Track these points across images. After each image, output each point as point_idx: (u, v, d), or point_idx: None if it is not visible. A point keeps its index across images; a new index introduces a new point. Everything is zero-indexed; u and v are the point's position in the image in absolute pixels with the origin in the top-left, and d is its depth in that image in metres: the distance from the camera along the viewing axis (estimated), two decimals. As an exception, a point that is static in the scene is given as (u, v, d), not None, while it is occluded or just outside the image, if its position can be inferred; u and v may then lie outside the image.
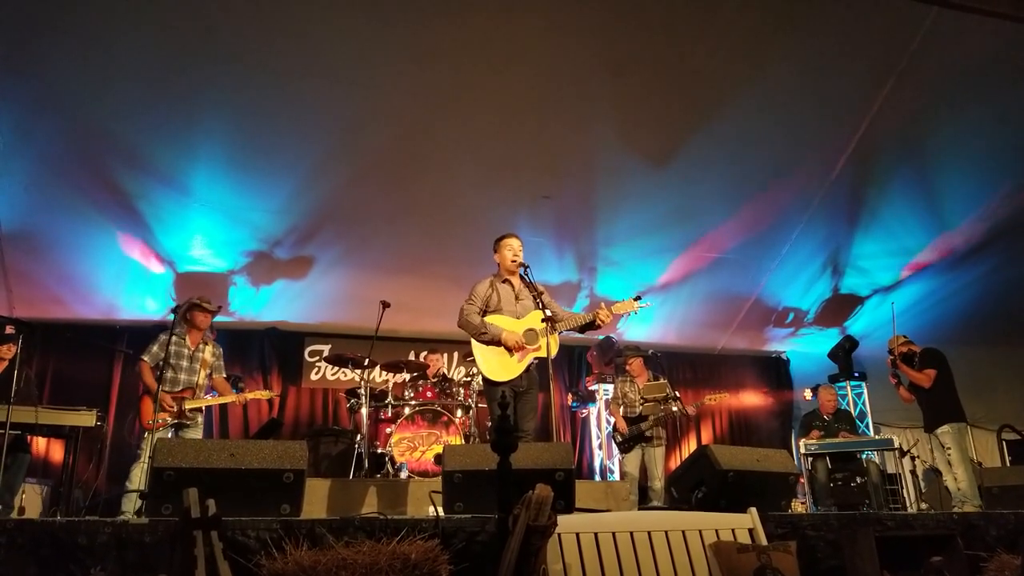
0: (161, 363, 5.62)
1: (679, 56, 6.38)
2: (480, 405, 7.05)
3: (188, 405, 5.71)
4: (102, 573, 2.54)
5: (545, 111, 6.78)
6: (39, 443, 7.21)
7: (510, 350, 4.77)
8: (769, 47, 6.33)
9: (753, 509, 3.04)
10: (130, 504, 5.28)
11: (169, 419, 5.62)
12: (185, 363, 5.82)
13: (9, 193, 6.64)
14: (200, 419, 5.92)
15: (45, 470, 7.33)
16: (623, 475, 7.39)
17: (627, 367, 7.56)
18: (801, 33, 6.26)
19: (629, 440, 7.10)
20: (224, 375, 6.25)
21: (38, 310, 7.75)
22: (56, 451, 7.51)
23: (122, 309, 8.14)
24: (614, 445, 7.68)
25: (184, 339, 5.90)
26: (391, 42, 5.98)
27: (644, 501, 6.88)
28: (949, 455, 6.38)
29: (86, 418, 5.37)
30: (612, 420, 7.57)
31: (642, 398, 7.23)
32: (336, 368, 9.07)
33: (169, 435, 5.62)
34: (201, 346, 5.95)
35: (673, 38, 6.25)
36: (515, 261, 4.95)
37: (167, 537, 2.61)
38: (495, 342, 4.80)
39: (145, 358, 5.83)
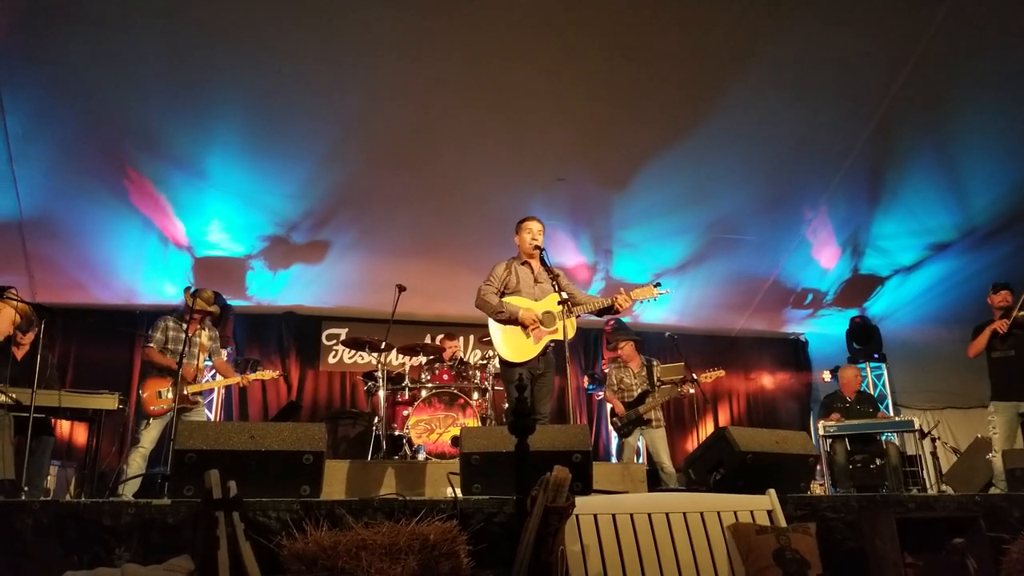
0: (164, 347, 5.85)
1: (694, 35, 6.30)
2: (496, 388, 7.06)
3: (190, 389, 5.80)
4: (126, 553, 2.58)
5: (559, 94, 6.72)
6: (63, 426, 7.31)
7: (526, 328, 4.78)
8: (787, 25, 6.23)
9: (772, 491, 3.03)
10: (128, 490, 5.32)
11: (172, 404, 5.61)
12: (183, 348, 5.85)
13: (29, 179, 6.70)
14: (203, 403, 6.04)
15: (69, 453, 7.44)
16: (619, 458, 7.38)
17: (618, 352, 7.48)
18: (821, 10, 6.15)
19: (628, 424, 7.08)
20: (223, 358, 6.31)
21: (59, 295, 7.84)
22: (79, 434, 7.62)
23: (141, 294, 8.22)
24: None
25: (182, 324, 5.96)
26: (406, 26, 5.95)
27: (656, 484, 6.85)
28: None
29: (109, 401, 5.43)
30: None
31: (643, 381, 7.18)
32: (353, 351, 9.11)
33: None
34: (198, 331, 6.01)
35: (688, 17, 6.17)
36: (534, 243, 4.95)
37: (189, 518, 2.64)
38: (512, 321, 4.81)
39: (151, 344, 5.91)
